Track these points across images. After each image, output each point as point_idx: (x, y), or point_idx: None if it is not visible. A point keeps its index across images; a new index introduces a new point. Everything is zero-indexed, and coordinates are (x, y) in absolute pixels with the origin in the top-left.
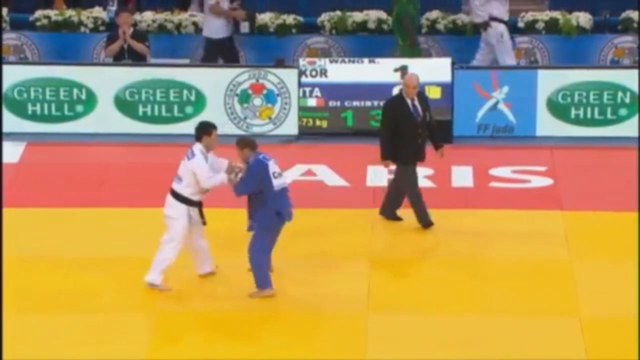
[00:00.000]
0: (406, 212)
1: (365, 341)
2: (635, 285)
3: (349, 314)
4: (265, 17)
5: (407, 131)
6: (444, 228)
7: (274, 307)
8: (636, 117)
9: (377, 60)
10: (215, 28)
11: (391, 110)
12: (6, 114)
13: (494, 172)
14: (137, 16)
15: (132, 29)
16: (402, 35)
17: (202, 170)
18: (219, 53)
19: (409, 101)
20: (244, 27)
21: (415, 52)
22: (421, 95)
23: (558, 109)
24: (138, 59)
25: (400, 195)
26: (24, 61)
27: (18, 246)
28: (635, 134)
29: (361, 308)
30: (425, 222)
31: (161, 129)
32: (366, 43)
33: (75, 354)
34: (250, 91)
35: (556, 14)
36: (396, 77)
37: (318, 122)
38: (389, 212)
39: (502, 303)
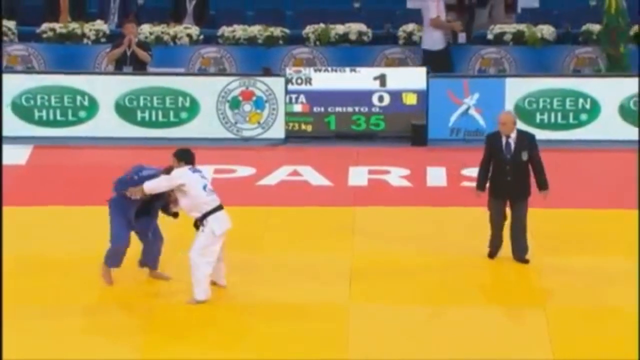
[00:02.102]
0: (386, 210)
1: (347, 331)
2: (630, 278)
3: (331, 305)
4: (254, 30)
5: (496, 166)
6: (421, 224)
7: (256, 298)
8: (595, 122)
9: (357, 69)
10: (434, 40)
11: (487, 143)
12: (14, 119)
13: (466, 172)
14: None
15: (136, 39)
16: (614, 44)
17: None
18: (436, 63)
19: (504, 138)
20: (462, 37)
21: (620, 60)
22: (523, 135)
23: (524, 114)
24: (139, 67)
25: (514, 229)
26: (31, 70)
27: (24, 243)
28: (595, 137)
29: (343, 299)
30: (490, 252)
31: (158, 133)
32: (348, 53)
33: (73, 349)
34: (240, 98)
35: (522, 27)
36: (375, 85)
37: (303, 127)
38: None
39: (475, 294)
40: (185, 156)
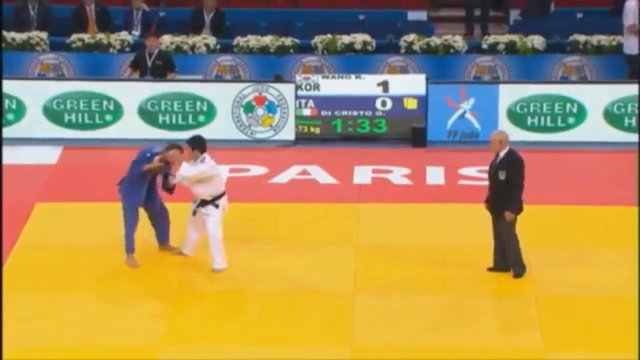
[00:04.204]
0: (388, 207)
1: (351, 318)
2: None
3: (337, 295)
4: (266, 40)
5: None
6: (421, 219)
7: (265, 286)
8: (582, 125)
9: (362, 76)
10: (630, 45)
11: None
12: (46, 122)
13: (462, 171)
14: None
15: (157, 50)
16: None
17: None
18: (632, 67)
19: (495, 155)
20: None
21: None
22: (510, 156)
23: (516, 118)
24: (159, 76)
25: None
26: (61, 77)
27: (54, 235)
28: (581, 139)
29: (348, 289)
30: (493, 265)
31: (178, 135)
32: (353, 61)
33: (100, 326)
34: (254, 103)
35: (514, 37)
36: (378, 91)
37: (312, 129)
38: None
39: (469, 284)
40: (200, 145)
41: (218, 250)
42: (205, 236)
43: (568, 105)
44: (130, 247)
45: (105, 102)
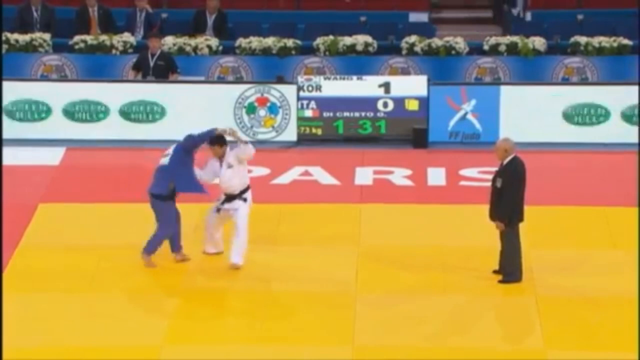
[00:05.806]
0: (389, 207)
1: (353, 319)
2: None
3: (338, 295)
4: (268, 41)
5: None
6: (422, 220)
7: (267, 287)
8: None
9: (364, 77)
10: None
11: None
12: (49, 123)
13: (464, 172)
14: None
15: (159, 51)
16: None
17: None
18: None
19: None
20: None
21: None
22: (511, 163)
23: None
24: (161, 76)
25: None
26: (64, 79)
27: (57, 236)
28: (584, 140)
29: (350, 289)
30: (498, 269)
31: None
32: (355, 63)
33: (103, 326)
34: (256, 104)
35: (516, 39)
36: (380, 92)
37: (314, 130)
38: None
39: (470, 285)
40: (225, 141)
41: (242, 245)
42: (206, 233)
43: None
44: (152, 249)
45: (107, 103)
